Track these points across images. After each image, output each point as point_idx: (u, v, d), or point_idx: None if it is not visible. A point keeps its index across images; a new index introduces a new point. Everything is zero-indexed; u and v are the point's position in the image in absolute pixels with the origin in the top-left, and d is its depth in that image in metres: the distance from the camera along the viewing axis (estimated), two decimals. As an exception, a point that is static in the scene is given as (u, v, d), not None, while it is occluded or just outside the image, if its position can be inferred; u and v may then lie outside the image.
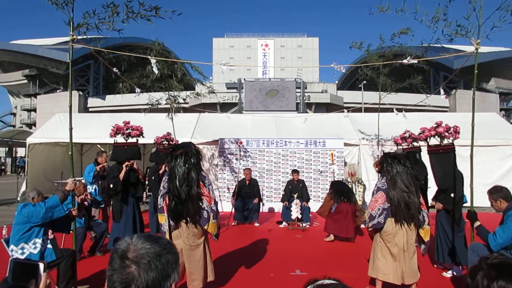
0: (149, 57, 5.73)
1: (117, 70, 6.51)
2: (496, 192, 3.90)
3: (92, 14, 4.21)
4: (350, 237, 6.94)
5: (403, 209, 3.69)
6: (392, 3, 4.72)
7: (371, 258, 4.06)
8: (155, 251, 1.07)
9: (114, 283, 1.04)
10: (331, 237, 7.10)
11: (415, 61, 5.21)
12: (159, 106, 9.69)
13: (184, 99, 9.85)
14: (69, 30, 4.17)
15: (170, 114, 9.46)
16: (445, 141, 4.97)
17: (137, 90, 8.60)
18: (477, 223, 3.87)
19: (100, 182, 7.13)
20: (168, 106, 9.40)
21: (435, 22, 4.19)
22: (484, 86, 48.44)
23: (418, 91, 10.63)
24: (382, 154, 4.20)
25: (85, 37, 4.57)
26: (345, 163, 10.46)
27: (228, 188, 10.47)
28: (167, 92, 9.26)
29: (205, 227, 3.80)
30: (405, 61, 5.22)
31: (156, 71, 6.57)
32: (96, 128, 11.53)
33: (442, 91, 6.78)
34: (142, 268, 1.03)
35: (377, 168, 4.24)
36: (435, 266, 5.28)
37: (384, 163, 3.93)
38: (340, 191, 7.37)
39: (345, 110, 12.87)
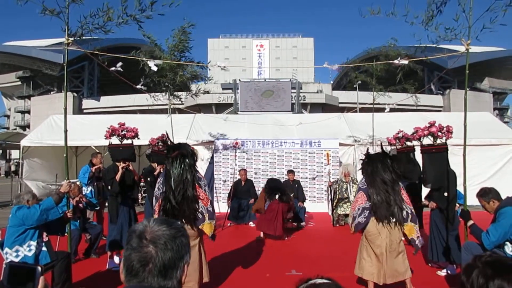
0: (144, 59, 5.72)
1: (118, 67, 6.43)
2: (486, 194, 3.94)
3: (88, 18, 4.21)
4: (279, 235, 6.94)
5: (383, 206, 3.71)
6: (383, 5, 4.77)
7: (358, 257, 4.11)
8: (171, 233, 1.13)
9: (132, 262, 1.09)
10: (261, 235, 7.10)
11: (406, 61, 5.26)
12: (157, 107, 9.66)
13: (180, 99, 9.82)
14: (64, 35, 4.17)
15: (169, 113, 9.42)
16: (438, 141, 5.01)
17: (140, 87, 8.54)
18: (470, 222, 3.91)
19: (95, 184, 7.11)
20: (166, 106, 9.38)
21: (425, 25, 4.23)
22: (477, 86, 48.84)
23: (411, 91, 10.74)
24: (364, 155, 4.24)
25: (78, 38, 4.56)
26: (341, 163, 10.50)
27: (224, 181, 10.51)
28: (165, 93, 9.22)
29: (200, 227, 3.80)
30: (396, 61, 5.27)
31: (155, 68, 6.55)
32: (91, 129, 11.48)
33: (433, 87, 6.85)
34: (160, 248, 1.09)
35: None
36: (429, 265, 5.32)
37: (362, 164, 3.99)
38: (274, 189, 7.29)
39: (341, 115, 12.98)
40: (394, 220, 3.75)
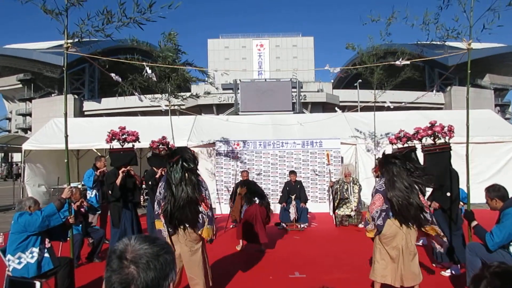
0: (144, 63, 5.70)
1: (117, 77, 6.44)
2: (493, 191, 3.90)
3: (87, 20, 4.19)
4: (263, 243, 6.31)
5: (404, 210, 3.65)
6: (383, 5, 4.77)
7: (372, 261, 4.06)
8: (153, 251, 1.08)
9: (113, 284, 1.04)
10: (241, 244, 6.49)
11: (408, 62, 5.24)
12: (159, 108, 9.61)
13: (184, 98, 9.78)
14: (64, 38, 4.15)
15: (169, 116, 9.41)
16: (441, 140, 4.99)
17: (137, 94, 8.55)
18: (474, 223, 3.88)
19: (99, 189, 7.11)
20: (167, 108, 9.35)
21: (426, 25, 4.22)
22: (478, 82, 48.75)
23: (414, 88, 10.72)
24: (381, 156, 4.17)
25: (78, 41, 4.55)
26: (343, 163, 10.48)
27: (229, 190, 10.46)
28: (166, 94, 9.19)
29: (199, 232, 3.77)
30: (397, 62, 5.24)
31: (154, 78, 6.54)
32: (92, 132, 11.49)
33: (434, 91, 6.82)
34: (141, 268, 1.04)
35: (375, 174, 4.21)
36: (434, 265, 5.30)
37: (383, 165, 3.90)
38: (253, 193, 6.63)
39: (338, 110, 12.94)
40: (412, 222, 3.71)
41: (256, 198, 6.49)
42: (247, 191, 6.73)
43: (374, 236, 3.93)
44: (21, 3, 4.12)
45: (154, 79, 6.00)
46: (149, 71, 5.64)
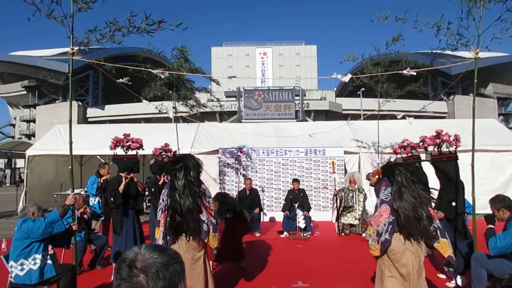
0: (151, 70, 5.74)
1: (126, 79, 6.47)
2: (498, 202, 3.89)
3: (94, 31, 4.24)
4: (241, 261, 5.87)
5: (412, 222, 3.32)
6: (392, 11, 4.78)
7: (377, 277, 3.71)
8: (163, 260, 1.08)
9: None
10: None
11: (414, 72, 5.24)
12: (163, 115, 9.68)
13: (191, 107, 9.82)
14: (69, 43, 4.18)
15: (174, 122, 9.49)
16: (446, 149, 4.96)
17: (145, 101, 8.61)
18: (490, 226, 3.84)
19: (102, 196, 7.11)
20: (171, 115, 9.39)
21: (437, 31, 4.22)
22: (482, 91, 48.67)
23: (418, 97, 10.73)
24: (386, 163, 3.95)
25: (83, 48, 4.58)
26: (346, 171, 10.44)
27: (229, 191, 10.44)
28: (174, 101, 9.23)
29: (206, 241, 3.76)
30: (405, 71, 5.24)
31: (163, 76, 6.58)
32: (95, 139, 11.52)
33: (445, 98, 6.77)
34: (151, 278, 1.04)
35: (373, 178, 3.93)
36: (439, 276, 5.24)
37: (391, 172, 3.57)
38: (226, 205, 5.92)
39: (349, 118, 12.96)
40: (421, 236, 3.38)
41: (227, 214, 5.79)
42: (220, 206, 5.84)
43: (381, 254, 3.53)
44: (26, 5, 4.14)
45: (166, 74, 6.03)
46: (161, 72, 5.68)
